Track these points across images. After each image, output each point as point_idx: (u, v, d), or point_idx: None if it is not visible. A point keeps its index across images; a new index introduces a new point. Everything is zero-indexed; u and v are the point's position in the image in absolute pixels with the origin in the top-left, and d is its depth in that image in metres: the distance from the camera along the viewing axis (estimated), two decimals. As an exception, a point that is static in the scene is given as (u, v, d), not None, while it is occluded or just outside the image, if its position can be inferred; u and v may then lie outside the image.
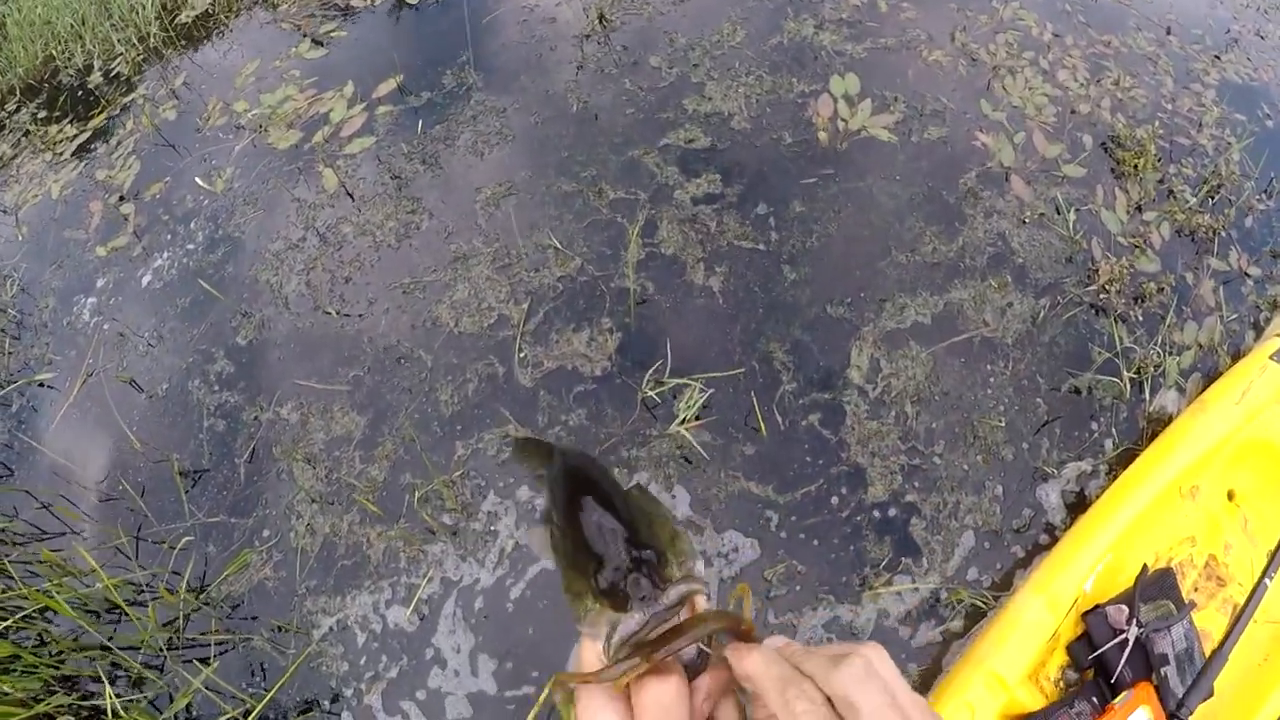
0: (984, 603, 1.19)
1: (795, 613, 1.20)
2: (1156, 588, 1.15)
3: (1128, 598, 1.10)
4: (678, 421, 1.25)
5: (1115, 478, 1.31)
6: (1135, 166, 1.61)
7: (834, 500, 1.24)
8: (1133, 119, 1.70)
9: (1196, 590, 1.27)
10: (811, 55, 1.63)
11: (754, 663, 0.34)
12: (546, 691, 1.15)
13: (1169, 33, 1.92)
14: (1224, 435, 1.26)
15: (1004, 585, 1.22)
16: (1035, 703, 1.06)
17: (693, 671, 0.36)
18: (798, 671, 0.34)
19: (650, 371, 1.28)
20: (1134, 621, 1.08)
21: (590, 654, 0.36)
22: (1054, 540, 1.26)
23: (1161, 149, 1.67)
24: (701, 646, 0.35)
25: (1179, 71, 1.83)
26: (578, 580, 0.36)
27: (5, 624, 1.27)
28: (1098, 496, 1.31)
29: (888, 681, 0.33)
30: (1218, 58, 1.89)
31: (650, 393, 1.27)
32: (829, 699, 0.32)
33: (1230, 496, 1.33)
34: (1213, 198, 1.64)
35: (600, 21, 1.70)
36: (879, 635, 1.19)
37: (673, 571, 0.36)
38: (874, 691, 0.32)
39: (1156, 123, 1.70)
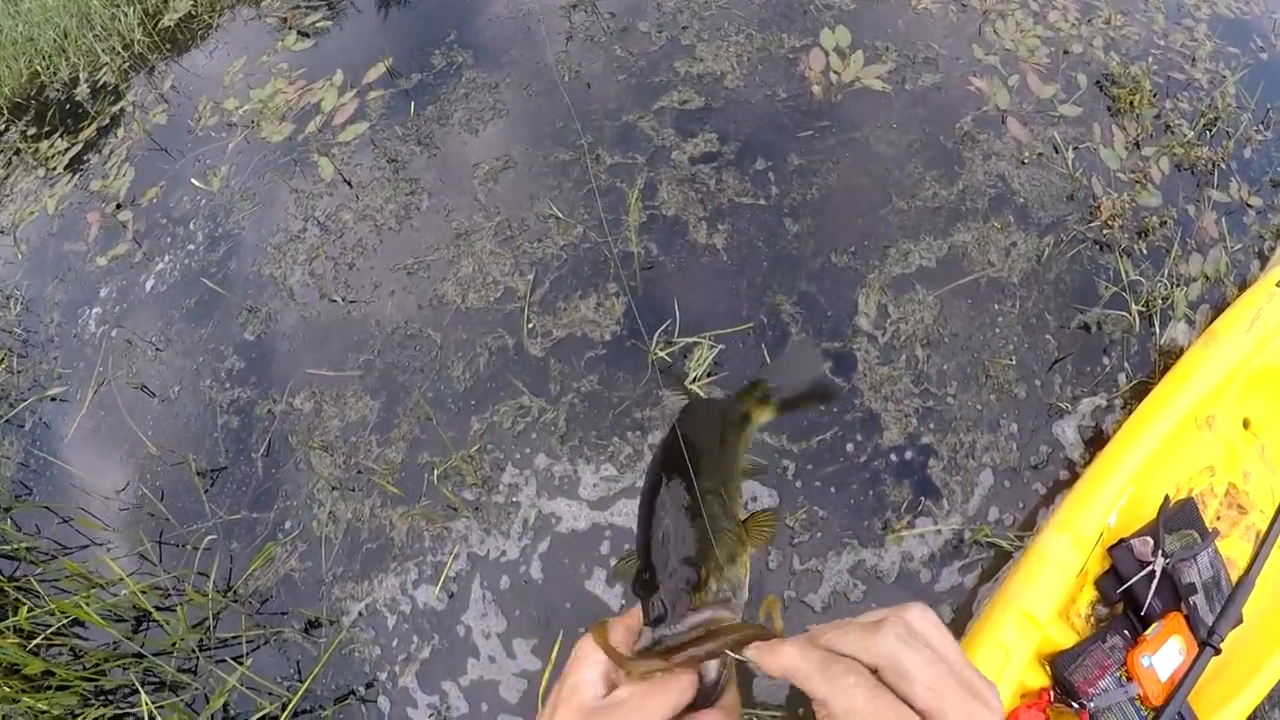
0: (1009, 543, 1.19)
1: (820, 558, 1.20)
2: (1179, 518, 1.16)
3: (1152, 530, 1.11)
4: (689, 380, 1.25)
5: (1131, 412, 1.31)
6: (1131, 103, 1.60)
7: (850, 447, 1.25)
8: (1126, 56, 1.69)
9: (1219, 519, 1.28)
10: (800, 10, 1.63)
11: (789, 655, 0.34)
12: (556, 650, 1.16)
13: (1157, -32, 1.91)
14: (1236, 364, 1.26)
15: (1027, 524, 1.23)
16: (1068, 639, 1.07)
17: (711, 692, 0.35)
18: (834, 652, 0.33)
19: (659, 332, 1.29)
20: (1159, 552, 1.08)
21: (620, 627, 0.38)
22: (1074, 476, 1.27)
23: (1156, 85, 1.66)
24: (724, 671, 0.36)
25: (1170, 8, 1.82)
26: (634, 568, 0.39)
27: (35, 641, 1.28)
28: (1114, 431, 1.31)
29: (930, 639, 0.32)
30: (1208, -10, 1.89)
31: (660, 353, 1.28)
32: (874, 670, 0.32)
33: (1246, 424, 1.34)
34: (1210, 131, 1.64)
35: (585, -9, 1.69)
36: (904, 579, 1.19)
37: (708, 596, 0.36)
38: (918, 652, 0.31)
39: (1150, 59, 1.69)
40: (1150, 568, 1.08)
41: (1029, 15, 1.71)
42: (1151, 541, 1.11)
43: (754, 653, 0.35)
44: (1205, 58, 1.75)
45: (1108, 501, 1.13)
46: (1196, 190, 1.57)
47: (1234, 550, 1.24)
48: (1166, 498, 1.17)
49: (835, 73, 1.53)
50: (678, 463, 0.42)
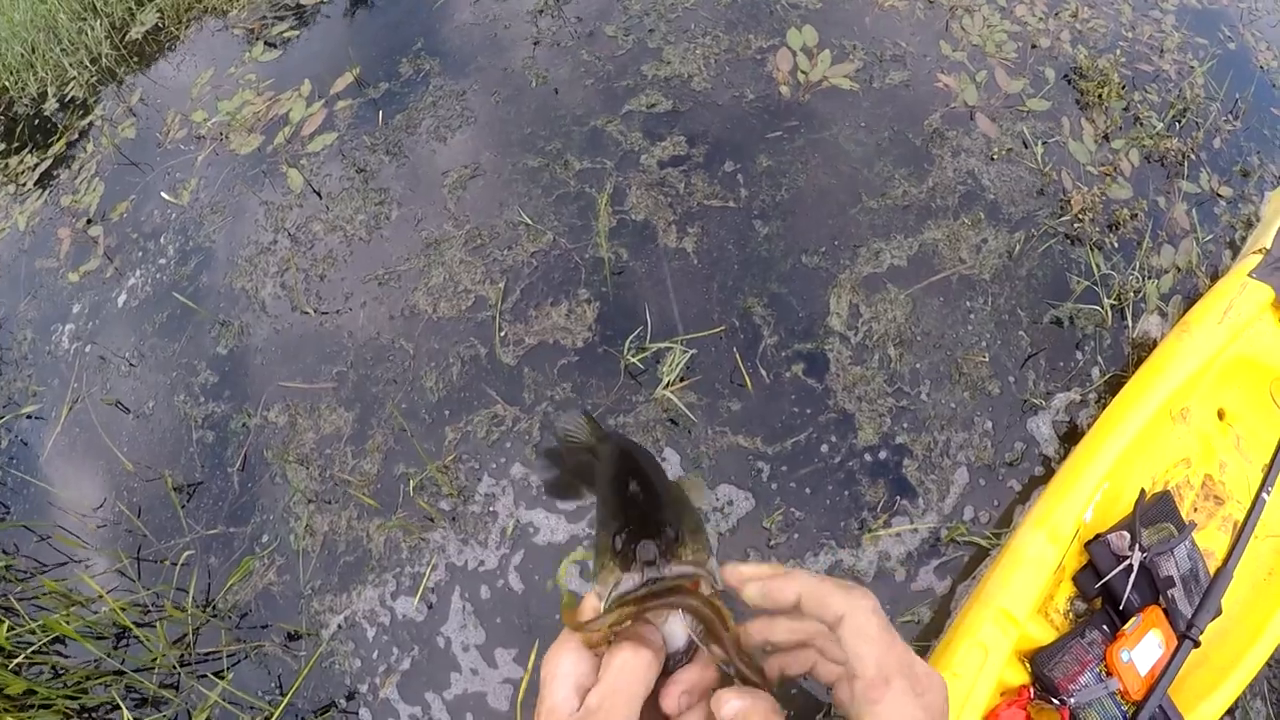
0: (986, 541, 1.20)
1: (797, 559, 1.21)
2: (1156, 511, 1.17)
3: (1128, 524, 1.11)
4: (662, 385, 1.25)
5: (1105, 406, 1.32)
6: (1099, 96, 1.61)
7: (824, 448, 1.25)
8: (1094, 49, 1.70)
9: (1196, 510, 1.29)
10: (767, 10, 1.63)
11: (805, 579, 0.36)
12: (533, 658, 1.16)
13: (1124, -40, 1.91)
14: (1209, 355, 1.27)
15: (1004, 521, 1.24)
16: (1047, 636, 1.08)
17: (677, 661, 0.36)
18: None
19: (631, 338, 1.28)
20: (1136, 546, 1.09)
21: (589, 607, 0.38)
22: (1049, 471, 1.28)
23: (1125, 77, 1.67)
24: (693, 637, 0.36)
25: (1137, -1, 1.83)
26: (603, 539, 0.38)
27: (17, 660, 1.27)
28: (1089, 426, 1.32)
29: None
30: (1174, -18, 1.89)
31: (633, 359, 1.28)
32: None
33: (1221, 415, 1.35)
34: (1179, 122, 1.65)
35: (552, -4, 1.69)
36: (881, 578, 1.20)
37: (685, 554, 0.37)
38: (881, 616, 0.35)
39: (1118, 51, 1.70)
40: (1127, 562, 1.08)
41: (995, 10, 1.71)
42: (1128, 536, 1.11)
43: (756, 577, 0.37)
44: (1173, 49, 1.76)
45: (1084, 497, 1.13)
46: (1167, 182, 1.58)
47: (1211, 542, 1.25)
48: (1143, 491, 1.18)
49: (803, 73, 1.53)
50: (631, 456, 0.45)
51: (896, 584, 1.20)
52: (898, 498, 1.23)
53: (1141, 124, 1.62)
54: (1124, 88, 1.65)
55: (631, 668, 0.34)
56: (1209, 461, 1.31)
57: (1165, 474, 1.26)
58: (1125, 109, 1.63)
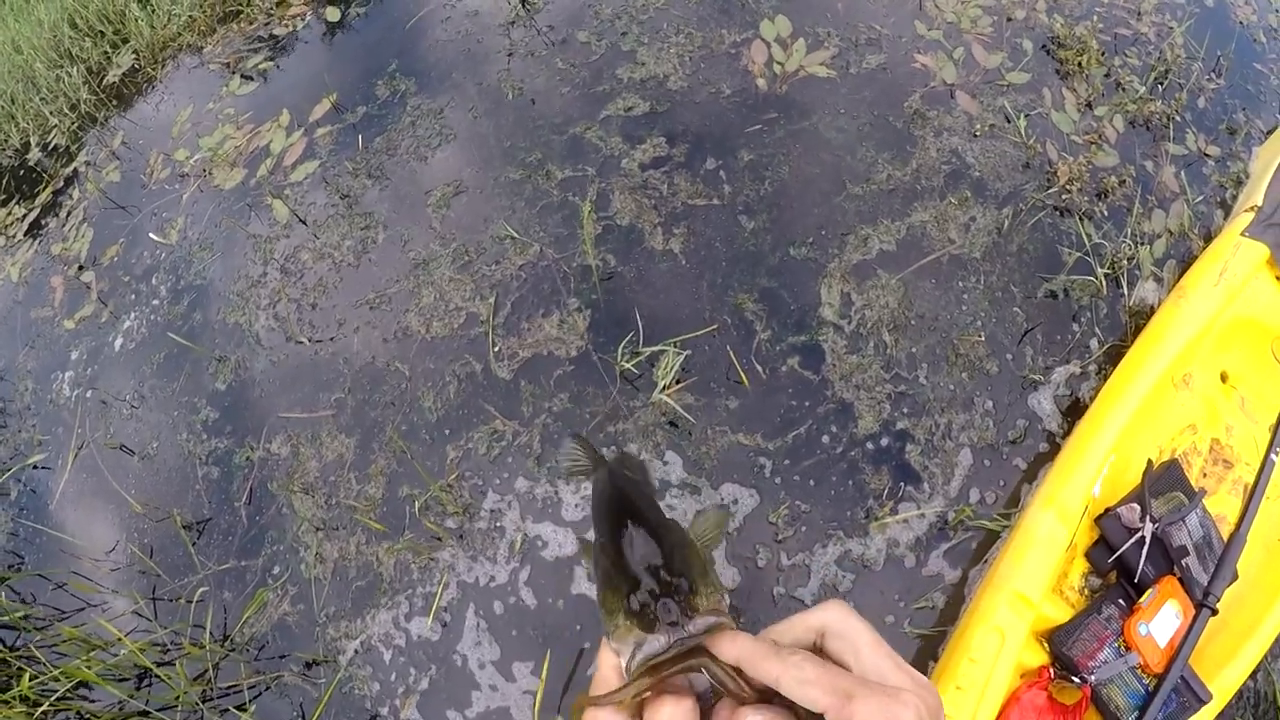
0: (994, 524, 1.19)
1: (806, 552, 1.21)
2: (1164, 481, 1.15)
3: (1138, 495, 1.10)
4: (659, 389, 1.25)
5: (1106, 377, 1.31)
6: (1079, 64, 1.60)
7: (825, 439, 1.25)
8: (1070, 17, 1.69)
9: (1205, 476, 1.27)
10: (738, 4, 1.62)
11: (743, 643, 0.36)
12: (547, 667, 1.16)
13: (1094, -76, 1.90)
14: (1208, 319, 1.26)
15: (1011, 501, 1.23)
16: (1063, 614, 1.07)
17: (704, 704, 0.36)
18: (777, 639, 0.36)
19: (624, 343, 1.29)
20: (1147, 518, 1.07)
21: (607, 665, 0.37)
22: (1053, 447, 1.27)
23: (1103, 43, 1.66)
24: (717, 675, 0.36)
25: (1110, -38, 1.82)
26: (612, 598, 0.38)
27: (42, 708, 1.28)
28: (1091, 398, 1.31)
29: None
30: (1146, -59, 1.88)
31: (627, 364, 1.28)
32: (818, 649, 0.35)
33: (1224, 378, 1.34)
34: (1161, 84, 1.63)
35: (523, 5, 1.69)
36: (892, 566, 1.20)
37: (701, 602, 0.37)
38: (855, 619, 0.35)
39: (1095, 18, 1.69)
40: (1139, 534, 1.07)
41: (969, -15, 1.70)
42: (1138, 508, 1.10)
43: (713, 642, 0.37)
44: (1150, 10, 1.75)
45: (1091, 472, 1.12)
46: (1153, 145, 1.56)
47: (1223, 506, 1.24)
48: (1149, 462, 1.16)
49: (778, 64, 1.53)
50: (624, 494, 0.45)
51: (907, 570, 1.19)
52: (902, 484, 1.23)
53: (1124, 89, 1.61)
54: (1103, 54, 1.63)
55: (682, 711, 0.34)
56: (1215, 426, 1.29)
57: (1172, 442, 1.25)
58: (1106, 75, 1.62)
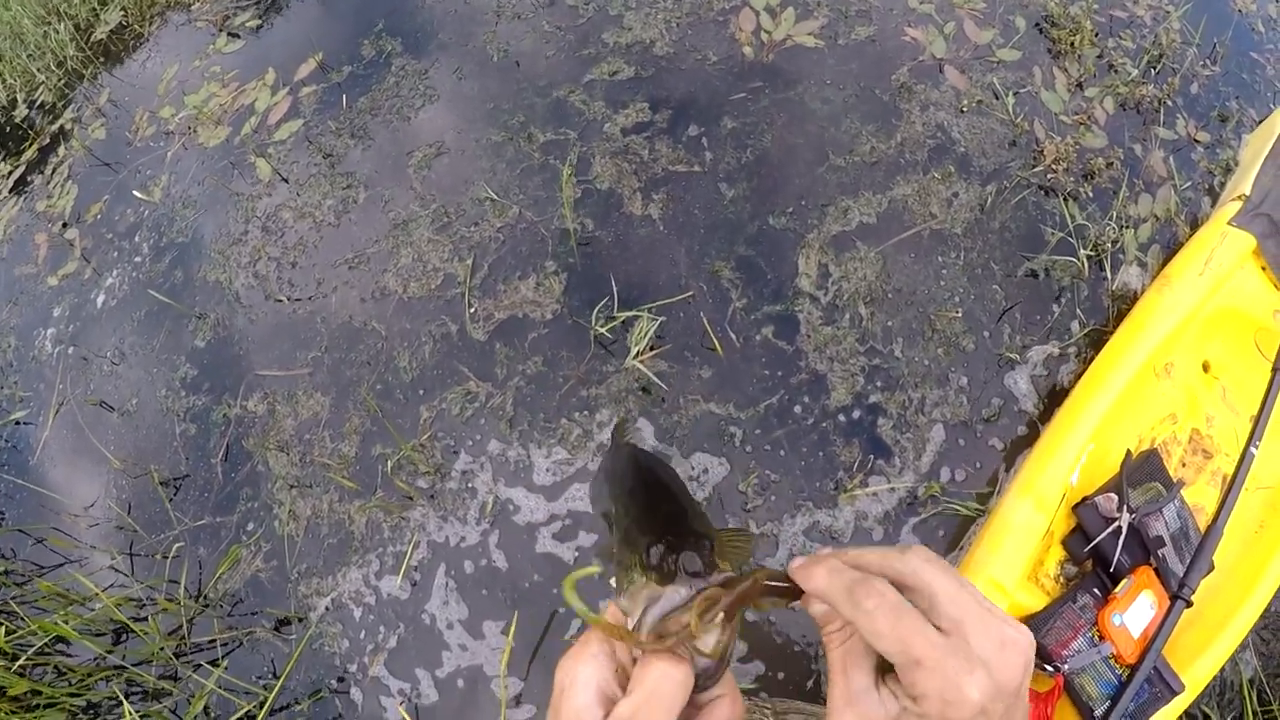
0: (966, 508, 1.19)
1: (775, 522, 1.21)
2: (1143, 471, 1.15)
3: (1115, 485, 1.10)
4: (632, 355, 1.26)
5: (1086, 362, 1.31)
6: (1072, 44, 1.59)
7: (797, 409, 1.25)
8: (1065, -4, 1.67)
9: (1184, 466, 1.27)
10: (728, -27, 1.61)
11: (819, 577, 0.35)
12: (513, 629, 1.17)
13: (1096, -96, 1.87)
14: (1192, 308, 1.25)
15: (984, 481, 1.24)
16: (1038, 602, 1.07)
17: (704, 680, 0.35)
18: (862, 573, 0.34)
19: (599, 308, 1.29)
20: (1125, 508, 1.07)
21: (613, 619, 0.36)
22: (1029, 427, 1.28)
23: (1098, 24, 1.65)
24: (725, 655, 0.35)
25: (1109, -58, 1.80)
26: (630, 554, 0.37)
27: (20, 661, 1.30)
28: (1070, 381, 1.31)
29: (947, 569, 0.34)
30: (1148, -77, 1.85)
31: (602, 329, 1.28)
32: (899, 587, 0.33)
33: (1206, 368, 1.33)
34: (1155, 68, 1.62)
35: (512, -30, 1.67)
36: (860, 538, 1.21)
37: (721, 561, 0.37)
38: (944, 572, 0.33)
39: (1090, -3, 1.67)
40: (1116, 524, 1.07)
41: (965, -39, 1.68)
42: (1116, 497, 1.09)
43: (795, 569, 0.36)
44: None
45: (1069, 461, 1.12)
46: (1143, 129, 1.56)
47: (1201, 497, 1.24)
48: (1128, 452, 1.16)
49: (766, 32, 1.52)
50: (647, 465, 0.45)
51: (875, 544, 1.20)
52: (873, 457, 1.24)
53: (1116, 71, 1.60)
54: (1097, 35, 1.62)
55: (671, 678, 0.33)
56: (1195, 416, 1.29)
57: (1151, 431, 1.25)
58: (1099, 56, 1.61)
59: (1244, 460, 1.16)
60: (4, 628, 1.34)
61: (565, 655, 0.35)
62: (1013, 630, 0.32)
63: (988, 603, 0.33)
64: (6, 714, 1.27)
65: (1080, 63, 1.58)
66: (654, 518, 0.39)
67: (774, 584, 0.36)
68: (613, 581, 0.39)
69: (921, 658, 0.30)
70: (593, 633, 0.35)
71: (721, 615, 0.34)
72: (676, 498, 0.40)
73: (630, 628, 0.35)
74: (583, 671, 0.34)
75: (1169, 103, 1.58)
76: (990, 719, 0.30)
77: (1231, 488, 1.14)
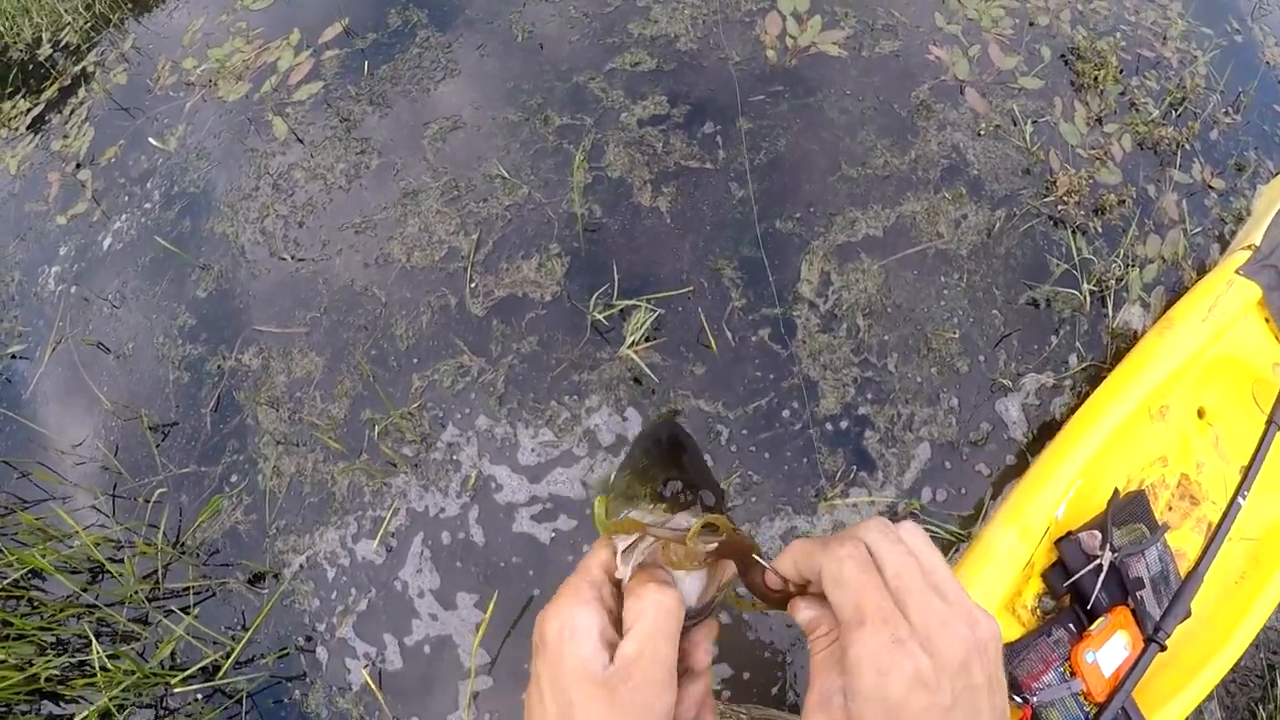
0: (949, 535, 1.21)
1: (753, 523, 1.24)
2: (1129, 511, 1.17)
3: (1100, 523, 1.12)
4: (627, 344, 1.28)
5: (1081, 396, 1.33)
6: (1095, 79, 1.61)
7: (786, 413, 1.28)
8: (1094, 31, 1.70)
9: (1170, 510, 1.29)
10: (760, -25, 1.63)
11: (797, 547, 0.37)
12: (492, 607, 1.20)
13: (1135, -58, 1.90)
14: (1192, 353, 1.27)
15: (964, 503, 1.26)
16: (1013, 632, 1.09)
17: (694, 617, 0.36)
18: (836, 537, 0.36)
19: (598, 294, 1.31)
20: (1107, 546, 1.09)
21: (596, 558, 0.38)
22: (1015, 455, 1.30)
23: (1124, 61, 1.67)
24: (715, 597, 0.37)
25: (1143, -18, 1.82)
26: (641, 485, 0.39)
27: None
28: (1062, 413, 1.33)
29: (912, 545, 0.34)
30: (1185, -32, 1.88)
31: (599, 316, 1.31)
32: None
33: (1201, 414, 1.35)
34: (1176, 110, 1.64)
35: (545, -47, 1.70)
36: (836, 543, 1.22)
37: (725, 523, 0.38)
38: (894, 545, 0.33)
39: (1118, 35, 1.70)
40: (1097, 562, 1.08)
41: (996, -15, 1.71)
42: (1100, 535, 1.10)
43: (771, 566, 0.38)
44: (1176, 36, 1.75)
45: (1057, 494, 1.14)
46: (1158, 170, 1.58)
47: (1185, 543, 1.25)
48: (1116, 491, 1.17)
49: (791, 37, 1.54)
50: (681, 434, 0.47)
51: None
52: (856, 468, 1.26)
53: (1137, 110, 1.62)
54: (1122, 72, 1.64)
55: (666, 607, 0.33)
56: (1186, 461, 1.31)
57: (1141, 472, 1.26)
58: (1121, 94, 1.63)
59: (1231, 509, 1.17)
60: (-21, 558, 1.37)
61: (552, 604, 0.35)
62: (956, 612, 0.32)
63: (940, 576, 0.33)
64: (-24, 642, 1.29)
65: (1102, 98, 1.61)
66: (672, 463, 0.41)
67: (760, 560, 0.38)
68: (603, 512, 0.40)
69: (867, 617, 0.31)
70: (582, 579, 0.36)
71: (712, 559, 0.35)
72: (698, 458, 0.43)
73: (623, 550, 0.36)
74: (582, 619, 0.34)
75: (1187, 146, 1.60)
76: (934, 696, 0.29)
77: (1216, 536, 1.15)
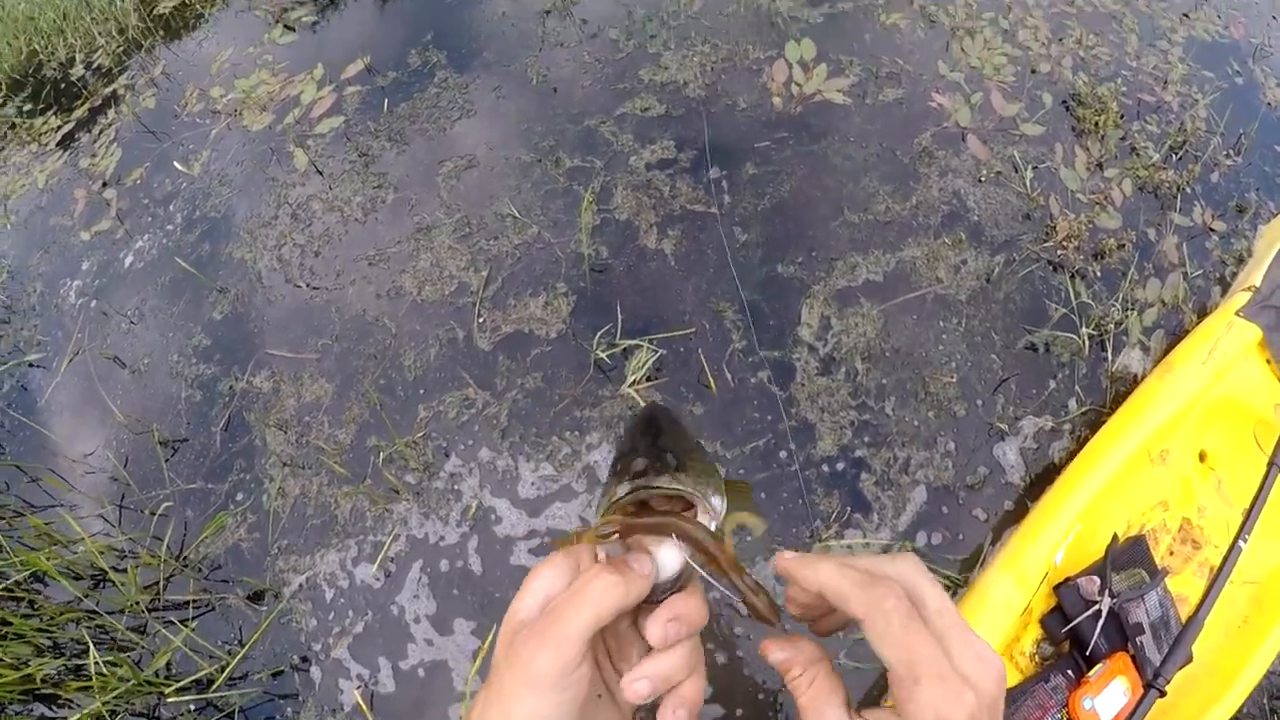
0: (940, 575, 1.25)
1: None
2: (1128, 556, 1.18)
3: (1099, 568, 1.13)
4: (628, 382, 1.35)
5: (1080, 440, 1.37)
6: (1096, 124, 1.67)
7: (783, 454, 1.33)
8: (1095, 77, 1.77)
9: (1171, 554, 1.31)
10: (768, 22, 1.72)
11: (827, 572, 0.36)
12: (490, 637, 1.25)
13: (1138, -9, 1.98)
14: (1193, 396, 1.29)
15: (959, 547, 1.29)
16: (1011, 679, 1.10)
17: (665, 591, 0.37)
18: (871, 573, 0.35)
19: (602, 333, 1.38)
20: (1106, 592, 1.10)
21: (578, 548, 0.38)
22: (1013, 500, 1.33)
23: (1124, 106, 1.73)
24: (690, 563, 0.37)
25: (1145, 29, 1.89)
26: (625, 460, 0.41)
27: None
28: (1060, 458, 1.37)
29: (935, 579, 0.35)
30: (1186, 15, 1.95)
31: (602, 354, 1.38)
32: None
33: (1202, 458, 1.37)
34: (1176, 154, 1.70)
35: (561, -3, 1.81)
36: (829, 585, 1.26)
37: (683, 480, 0.39)
38: (932, 583, 0.35)
39: (1119, 80, 1.76)
40: (1096, 607, 1.10)
41: (998, 33, 1.79)
42: (1099, 580, 1.12)
43: (790, 563, 0.38)
44: (1177, 80, 1.82)
45: (1055, 539, 1.16)
46: (1159, 213, 1.63)
47: (1186, 587, 1.26)
48: (1115, 536, 1.19)
49: (797, 85, 1.63)
50: (657, 411, 0.49)
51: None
52: (851, 510, 1.31)
53: (1138, 154, 1.68)
54: (1122, 117, 1.71)
55: (601, 582, 0.34)
56: (1187, 505, 1.33)
57: (1141, 516, 1.28)
58: (1122, 138, 1.69)
59: (1232, 553, 1.17)
60: (-14, 557, 1.43)
61: (537, 565, 0.37)
62: (986, 647, 0.34)
63: (963, 619, 0.35)
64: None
65: (1103, 143, 1.67)
66: (638, 438, 0.43)
67: (696, 532, 0.37)
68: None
69: (922, 675, 0.32)
70: (558, 548, 0.38)
71: (680, 541, 0.36)
72: (665, 427, 0.44)
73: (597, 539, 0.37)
74: (538, 578, 0.36)
75: (1188, 189, 1.65)
76: None
77: (1217, 580, 1.16)
